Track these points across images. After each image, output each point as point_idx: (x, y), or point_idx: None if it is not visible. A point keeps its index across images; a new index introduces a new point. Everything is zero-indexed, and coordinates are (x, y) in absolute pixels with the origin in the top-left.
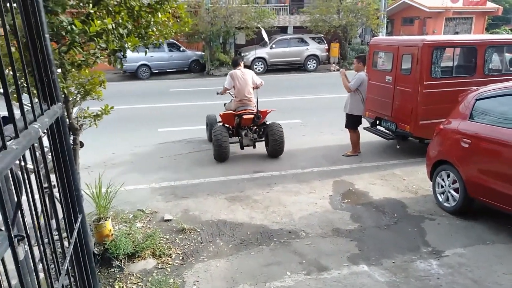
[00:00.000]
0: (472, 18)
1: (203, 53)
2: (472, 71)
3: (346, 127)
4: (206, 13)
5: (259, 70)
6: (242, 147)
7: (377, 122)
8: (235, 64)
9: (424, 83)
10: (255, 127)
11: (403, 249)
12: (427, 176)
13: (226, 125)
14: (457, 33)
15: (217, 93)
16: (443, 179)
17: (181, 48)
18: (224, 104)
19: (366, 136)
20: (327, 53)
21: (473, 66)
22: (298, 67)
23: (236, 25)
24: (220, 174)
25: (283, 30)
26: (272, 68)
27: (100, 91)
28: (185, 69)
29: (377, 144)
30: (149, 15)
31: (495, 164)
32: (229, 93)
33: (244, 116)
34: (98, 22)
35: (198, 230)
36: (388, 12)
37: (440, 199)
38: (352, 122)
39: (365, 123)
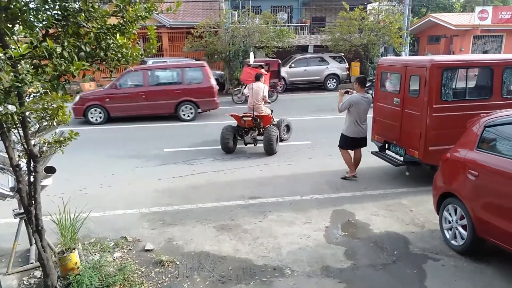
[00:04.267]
0: (502, 36)
1: (222, 73)
2: (488, 93)
3: (338, 145)
4: (225, 33)
5: (278, 89)
6: (245, 144)
7: (386, 146)
8: (256, 79)
9: (434, 106)
10: (256, 128)
11: None
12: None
13: (235, 126)
14: (486, 51)
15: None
16: (450, 214)
17: None
18: None
19: (374, 161)
20: (347, 72)
21: (489, 88)
22: (318, 86)
23: (255, 45)
24: (214, 199)
25: (304, 49)
26: (291, 87)
27: (65, 116)
28: None
29: (385, 170)
30: (108, 38)
31: (505, 201)
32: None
33: (244, 118)
34: (25, 45)
35: (178, 262)
36: (413, 31)
37: (448, 236)
38: (343, 142)
39: (373, 147)
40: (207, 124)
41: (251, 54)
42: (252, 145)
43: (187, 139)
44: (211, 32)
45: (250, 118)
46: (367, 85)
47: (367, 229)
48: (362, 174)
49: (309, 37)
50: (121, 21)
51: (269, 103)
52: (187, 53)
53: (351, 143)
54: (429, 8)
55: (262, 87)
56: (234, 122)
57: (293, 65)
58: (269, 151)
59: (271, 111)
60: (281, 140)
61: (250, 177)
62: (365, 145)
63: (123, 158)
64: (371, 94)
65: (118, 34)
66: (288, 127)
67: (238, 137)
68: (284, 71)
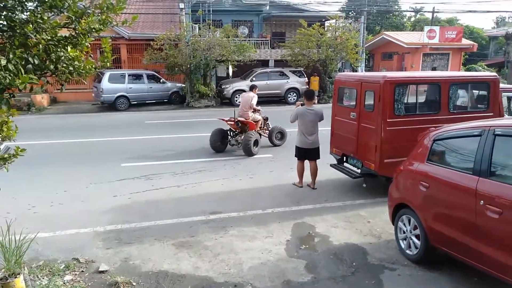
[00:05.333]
0: (449, 54)
1: (183, 85)
2: (437, 108)
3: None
4: (186, 46)
5: (239, 102)
6: (230, 144)
7: (344, 159)
8: (250, 89)
9: (387, 120)
10: (239, 132)
11: None
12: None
13: (226, 129)
14: (434, 68)
15: None
16: (404, 224)
17: (161, 80)
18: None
19: (333, 174)
20: (307, 86)
21: (438, 103)
22: (279, 99)
23: (216, 58)
24: (173, 215)
25: (265, 63)
26: None
27: (10, 131)
28: (165, 100)
29: (344, 182)
30: (58, 50)
31: (453, 211)
32: None
33: (228, 122)
34: None
35: (134, 283)
36: (368, 47)
37: (403, 246)
38: (295, 152)
39: (332, 159)
40: (169, 138)
41: (230, 67)
42: (236, 146)
43: (147, 153)
44: (171, 44)
45: (232, 123)
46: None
47: (327, 241)
48: (321, 186)
49: (270, 52)
50: (73, 33)
51: (258, 110)
52: (146, 65)
53: (302, 153)
54: (383, 26)
55: (251, 96)
56: (226, 126)
57: (254, 78)
58: (246, 152)
59: (266, 118)
60: (275, 145)
61: (211, 191)
62: (318, 157)
63: (77, 174)
64: None
65: (69, 47)
66: (281, 133)
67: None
68: (245, 84)
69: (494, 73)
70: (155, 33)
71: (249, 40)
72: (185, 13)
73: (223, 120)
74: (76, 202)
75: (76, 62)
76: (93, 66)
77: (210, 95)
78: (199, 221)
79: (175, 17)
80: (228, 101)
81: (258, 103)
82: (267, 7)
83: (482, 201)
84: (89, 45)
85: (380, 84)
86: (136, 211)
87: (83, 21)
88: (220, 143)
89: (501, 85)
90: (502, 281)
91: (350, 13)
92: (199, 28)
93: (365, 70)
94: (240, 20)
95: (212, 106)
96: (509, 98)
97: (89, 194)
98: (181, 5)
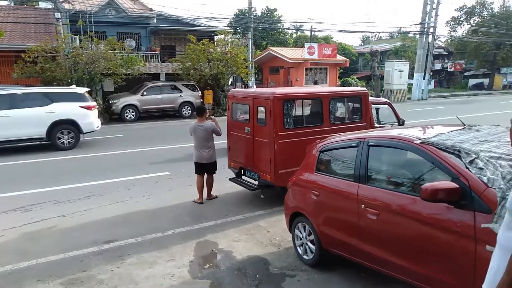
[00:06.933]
0: (327, 69)
1: None
2: (320, 121)
3: None
4: (65, 59)
5: (130, 118)
6: None
7: (242, 172)
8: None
9: (279, 134)
10: None
11: None
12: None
13: None
14: (316, 81)
15: None
16: (300, 231)
17: None
18: None
19: (232, 187)
20: (201, 100)
21: (321, 116)
22: (174, 114)
23: (101, 72)
24: (60, 250)
25: (156, 77)
26: (145, 115)
27: None
28: None
29: (243, 194)
30: None
31: (340, 216)
32: None
33: None
34: None
35: None
36: (257, 62)
37: (300, 252)
38: (195, 167)
39: (230, 173)
40: (44, 162)
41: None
42: None
43: (18, 180)
44: (47, 57)
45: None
46: None
47: (230, 257)
48: (222, 201)
49: (160, 65)
50: None
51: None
52: (17, 80)
53: (199, 168)
54: (269, 42)
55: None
56: None
57: (145, 93)
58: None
59: None
60: None
61: (104, 217)
62: (213, 172)
63: None
64: None
65: None
66: None
67: None
68: (136, 99)
69: (364, 88)
70: (27, 44)
71: (137, 53)
72: (63, 24)
73: None
74: None
75: None
76: None
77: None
78: (91, 253)
79: (51, 27)
80: (117, 117)
81: (152, 117)
82: (155, 20)
83: (363, 205)
84: None
85: (270, 100)
86: (11, 251)
87: None
88: None
89: (370, 98)
90: (383, 274)
91: (238, 28)
92: (80, 40)
93: (255, 84)
94: (126, 32)
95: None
96: (377, 109)
97: None
98: (57, 15)
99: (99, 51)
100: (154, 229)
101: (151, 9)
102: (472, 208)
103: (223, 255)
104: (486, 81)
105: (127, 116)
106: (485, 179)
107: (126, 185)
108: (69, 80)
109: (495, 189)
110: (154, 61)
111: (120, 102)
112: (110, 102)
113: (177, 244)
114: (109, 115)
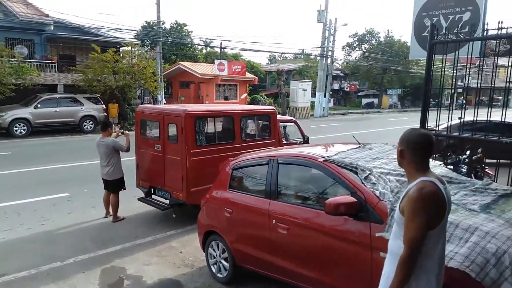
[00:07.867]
0: (237, 85)
1: None
2: (232, 138)
3: None
4: None
5: (21, 132)
6: None
7: (152, 191)
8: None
9: (191, 151)
10: None
11: None
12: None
13: None
14: (226, 97)
15: None
16: (214, 249)
17: None
18: None
19: (141, 207)
20: (105, 114)
21: (232, 133)
22: (74, 128)
23: None
24: None
25: (53, 88)
26: (39, 129)
27: None
28: None
29: (154, 214)
30: None
31: (253, 232)
32: None
33: None
34: None
35: None
36: (166, 76)
37: (214, 270)
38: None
39: (139, 193)
40: None
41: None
42: None
43: None
44: None
45: None
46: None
47: (140, 282)
48: (131, 222)
49: (58, 76)
50: None
51: None
52: None
53: (104, 183)
54: (178, 56)
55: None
56: None
57: (39, 105)
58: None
59: None
60: None
61: None
62: (117, 190)
63: None
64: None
65: None
66: None
67: None
68: (28, 112)
69: (273, 107)
70: None
71: (30, 61)
72: None
73: None
74: None
75: None
76: None
77: None
78: None
79: None
80: (4, 132)
81: (47, 132)
82: (52, 27)
83: (274, 220)
84: None
85: (181, 117)
86: None
87: None
88: None
89: (278, 116)
90: (294, 286)
91: (146, 41)
92: None
93: (165, 98)
94: (16, 38)
95: None
96: (284, 127)
97: None
98: None
99: None
100: (51, 259)
101: (47, 15)
102: (368, 219)
103: (132, 281)
104: (376, 100)
105: (16, 130)
106: (377, 192)
107: (16, 210)
108: None
109: (386, 201)
110: (50, 71)
111: (9, 115)
112: None
113: (79, 273)
114: None
